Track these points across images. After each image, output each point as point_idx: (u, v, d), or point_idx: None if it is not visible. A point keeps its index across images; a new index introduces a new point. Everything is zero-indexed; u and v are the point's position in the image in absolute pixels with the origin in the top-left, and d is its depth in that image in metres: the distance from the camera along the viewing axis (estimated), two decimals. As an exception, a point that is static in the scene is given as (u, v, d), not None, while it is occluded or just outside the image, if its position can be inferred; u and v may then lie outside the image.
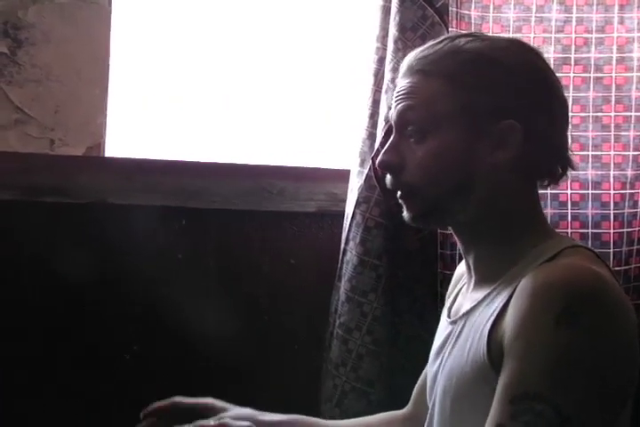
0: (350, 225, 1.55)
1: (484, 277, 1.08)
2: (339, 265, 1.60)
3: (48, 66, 1.66)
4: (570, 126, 1.11)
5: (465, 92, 1.01)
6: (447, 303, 1.20)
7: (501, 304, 0.99)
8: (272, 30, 1.74)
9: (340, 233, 1.68)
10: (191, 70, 1.75)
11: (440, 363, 1.10)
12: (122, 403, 1.62)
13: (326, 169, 1.72)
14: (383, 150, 1.07)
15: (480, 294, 1.06)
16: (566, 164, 1.08)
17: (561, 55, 1.57)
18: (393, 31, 1.46)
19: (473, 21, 1.55)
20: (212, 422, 1.12)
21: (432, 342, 1.21)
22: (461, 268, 1.21)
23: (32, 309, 1.62)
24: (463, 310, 1.08)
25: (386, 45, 1.50)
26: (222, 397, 1.53)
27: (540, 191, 1.56)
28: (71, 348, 1.63)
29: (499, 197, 1.04)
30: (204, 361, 1.66)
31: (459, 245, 1.13)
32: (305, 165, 1.73)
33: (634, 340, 0.96)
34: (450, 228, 1.16)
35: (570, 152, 1.09)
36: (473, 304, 1.06)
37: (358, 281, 1.53)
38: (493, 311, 1.00)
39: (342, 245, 1.59)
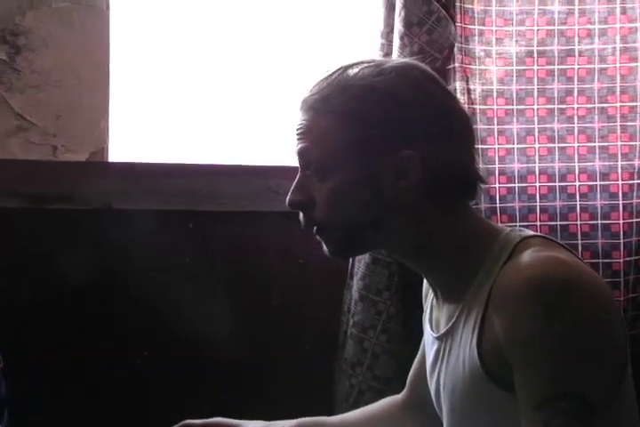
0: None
1: (448, 291, 1.08)
2: (350, 264, 1.59)
3: (48, 71, 1.65)
4: (475, 139, 1.12)
5: (356, 128, 1.01)
6: (426, 313, 1.20)
7: (480, 315, 1.00)
8: (275, 28, 1.73)
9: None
10: (192, 72, 1.74)
11: (438, 378, 1.10)
12: (127, 408, 1.61)
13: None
14: (290, 190, 1.08)
15: (453, 309, 1.06)
16: (476, 179, 1.07)
17: (565, 47, 1.58)
18: (399, 27, 1.46)
19: (476, 15, 1.55)
20: None
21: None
22: None
23: (38, 315, 1.60)
24: (444, 326, 1.09)
25: (391, 42, 1.49)
26: (231, 398, 1.53)
27: (550, 184, 1.60)
28: (78, 354, 1.62)
29: (418, 223, 1.04)
30: (214, 363, 1.65)
31: None
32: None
33: (616, 313, 0.99)
34: None
35: (477, 166, 1.08)
36: (452, 321, 1.06)
37: (372, 279, 1.53)
38: (474, 324, 1.01)
39: (353, 244, 1.58)
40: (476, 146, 1.11)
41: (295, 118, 1.07)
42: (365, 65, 1.04)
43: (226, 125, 1.75)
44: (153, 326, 1.64)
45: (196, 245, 1.68)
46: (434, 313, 1.14)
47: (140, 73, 1.73)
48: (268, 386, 1.66)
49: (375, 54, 1.53)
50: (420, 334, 1.56)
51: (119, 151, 1.70)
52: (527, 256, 0.98)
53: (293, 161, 1.71)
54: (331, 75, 1.05)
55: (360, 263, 1.55)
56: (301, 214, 1.08)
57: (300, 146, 1.05)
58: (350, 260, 1.60)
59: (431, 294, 1.17)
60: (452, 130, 1.04)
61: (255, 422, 1.22)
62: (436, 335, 1.10)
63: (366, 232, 1.04)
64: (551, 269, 0.94)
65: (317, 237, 1.09)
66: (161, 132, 1.74)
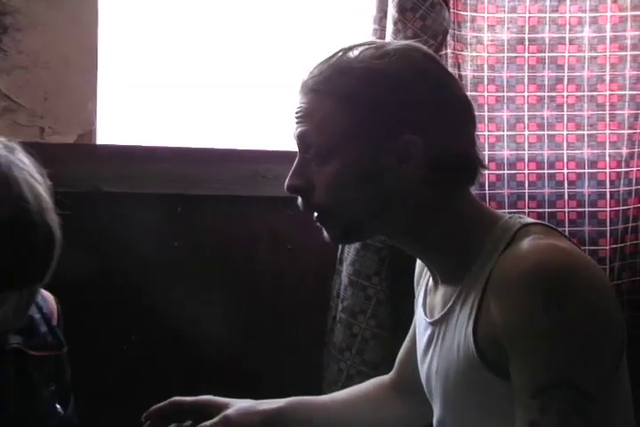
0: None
1: (446, 276, 1.09)
2: (340, 249, 1.60)
3: (35, 52, 1.63)
4: (476, 123, 1.10)
5: (358, 111, 1.00)
6: (419, 297, 1.20)
7: (477, 302, 1.01)
8: (266, 12, 1.72)
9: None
10: (182, 54, 1.72)
11: (430, 364, 1.11)
12: (120, 394, 1.61)
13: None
14: (289, 174, 1.06)
15: (450, 294, 1.07)
16: (477, 163, 1.07)
17: (556, 35, 1.58)
18: (392, 12, 1.45)
19: (468, 2, 1.55)
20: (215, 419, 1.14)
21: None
22: None
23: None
24: (439, 311, 1.09)
25: (384, 27, 1.49)
26: (223, 383, 1.53)
27: (539, 171, 1.61)
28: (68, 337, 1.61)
29: (419, 208, 1.04)
30: (202, 349, 1.64)
31: None
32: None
33: (614, 300, 1.00)
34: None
35: (477, 150, 1.08)
36: (448, 306, 1.06)
37: (362, 265, 1.53)
38: (471, 311, 1.01)
39: (343, 229, 1.58)
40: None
41: (294, 101, 1.06)
42: (366, 47, 1.03)
43: (216, 109, 1.74)
44: (140, 311, 1.63)
45: (185, 230, 1.67)
46: (428, 298, 1.14)
47: (128, 55, 1.71)
48: (258, 372, 1.66)
49: (368, 40, 1.52)
50: (409, 319, 1.58)
51: (107, 134, 1.68)
52: (527, 243, 0.99)
53: (283, 146, 1.73)
54: (331, 57, 1.04)
55: (350, 249, 1.55)
56: (300, 199, 1.07)
57: (299, 129, 1.04)
58: (340, 246, 1.60)
59: (424, 279, 1.17)
60: (454, 113, 1.04)
61: (245, 400, 1.21)
62: (429, 320, 1.10)
63: (366, 217, 1.04)
64: (550, 257, 0.95)
65: (317, 223, 1.08)
66: (150, 116, 1.73)
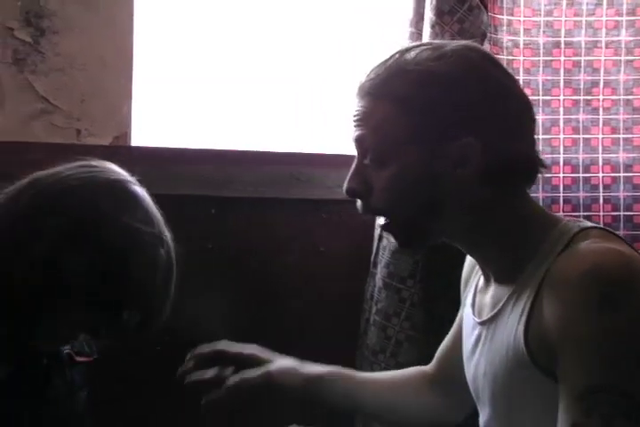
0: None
1: (499, 276, 1.08)
2: (374, 252, 1.60)
3: (72, 54, 1.64)
4: (536, 123, 1.09)
5: (415, 114, 1.00)
6: (467, 297, 1.19)
7: (530, 301, 1.00)
8: (304, 15, 1.72)
9: (370, 220, 1.68)
10: (217, 57, 1.73)
11: (477, 363, 1.10)
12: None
13: (354, 155, 1.71)
14: (348, 177, 1.06)
15: (502, 294, 1.06)
16: (536, 164, 1.06)
17: (592, 38, 1.58)
18: (429, 15, 1.46)
19: (505, 5, 1.55)
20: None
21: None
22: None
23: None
24: (489, 311, 1.09)
25: (421, 30, 1.49)
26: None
27: (574, 175, 1.60)
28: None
29: (475, 210, 1.04)
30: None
31: None
32: (333, 152, 1.72)
33: None
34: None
35: (537, 151, 1.07)
36: (499, 306, 1.06)
37: (396, 267, 1.53)
38: (523, 310, 1.01)
39: (378, 232, 1.59)
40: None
41: (351, 104, 1.06)
42: (423, 48, 1.03)
43: (250, 111, 1.75)
44: (175, 309, 1.63)
45: (218, 231, 1.68)
46: (477, 298, 1.14)
47: (163, 57, 1.72)
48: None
49: (404, 43, 1.53)
50: (442, 322, 1.58)
51: (141, 136, 1.69)
52: (585, 246, 0.98)
53: (316, 148, 1.74)
54: (388, 59, 1.04)
55: (384, 251, 1.56)
56: (359, 202, 1.07)
57: (357, 133, 1.04)
58: (374, 248, 1.60)
59: (474, 279, 1.17)
60: (513, 114, 1.03)
61: (287, 359, 1.22)
62: (478, 320, 1.10)
63: (422, 219, 1.04)
64: (608, 261, 0.94)
65: (384, 232, 1.09)
66: (184, 118, 1.74)
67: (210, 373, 1.18)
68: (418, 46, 1.04)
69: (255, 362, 1.20)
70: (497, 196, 1.03)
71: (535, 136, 1.07)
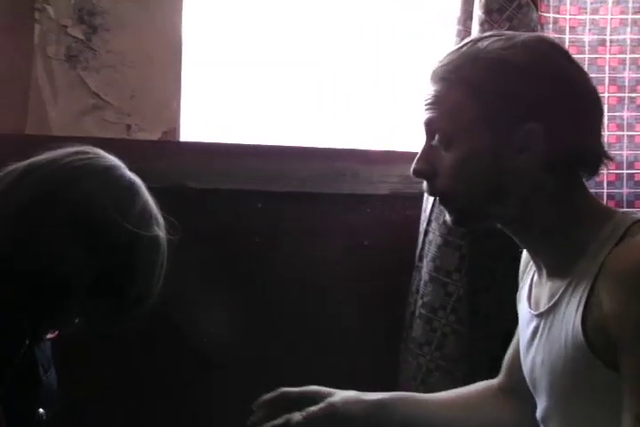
0: (433, 206, 1.58)
1: (554, 268, 1.10)
2: (419, 246, 1.62)
3: (122, 51, 1.67)
4: (603, 115, 1.11)
5: (486, 100, 1.04)
6: (523, 290, 1.21)
7: (586, 293, 1.02)
8: (351, 13, 1.75)
9: (414, 215, 1.71)
10: (265, 53, 1.76)
11: (534, 355, 1.12)
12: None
13: (400, 152, 1.74)
14: (415, 159, 1.10)
15: (558, 286, 1.08)
16: (600, 154, 1.08)
17: (637, 36, 1.60)
18: (478, 13, 1.48)
19: (551, 3, 1.57)
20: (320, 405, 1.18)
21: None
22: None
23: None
24: (545, 303, 1.10)
25: (469, 28, 1.51)
26: (298, 377, 1.56)
27: (618, 171, 1.62)
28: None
29: (535, 196, 1.06)
30: (286, 339, 1.68)
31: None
32: (379, 148, 1.75)
33: None
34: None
35: (602, 142, 1.10)
36: (555, 298, 1.08)
37: (442, 261, 1.56)
38: (580, 302, 1.03)
39: (424, 226, 1.61)
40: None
41: (424, 90, 1.10)
42: (496, 38, 1.07)
43: (297, 106, 1.77)
44: (224, 302, 1.67)
45: (265, 225, 1.71)
46: (533, 291, 1.16)
47: (210, 53, 1.75)
48: (330, 366, 1.69)
49: (452, 40, 1.55)
50: (487, 315, 1.61)
51: (190, 131, 1.73)
52: None
53: (361, 144, 1.76)
54: (461, 47, 1.08)
55: (430, 245, 1.58)
56: (425, 183, 1.11)
57: (427, 116, 1.08)
58: (419, 242, 1.63)
59: (530, 272, 1.19)
60: (579, 105, 1.06)
61: (349, 391, 1.24)
62: (535, 313, 1.12)
63: (486, 203, 1.07)
64: None
65: (441, 206, 1.12)
66: (232, 113, 1.76)
67: (279, 420, 1.20)
68: (490, 36, 1.08)
69: (319, 397, 1.23)
70: (557, 185, 1.06)
71: (601, 127, 1.09)
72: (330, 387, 1.28)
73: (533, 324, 1.12)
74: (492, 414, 1.27)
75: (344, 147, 1.74)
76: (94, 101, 1.66)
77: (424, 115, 1.09)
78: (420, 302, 1.58)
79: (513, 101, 1.03)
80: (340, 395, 1.22)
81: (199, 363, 1.65)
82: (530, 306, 1.15)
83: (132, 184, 1.08)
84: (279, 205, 1.71)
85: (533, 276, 1.17)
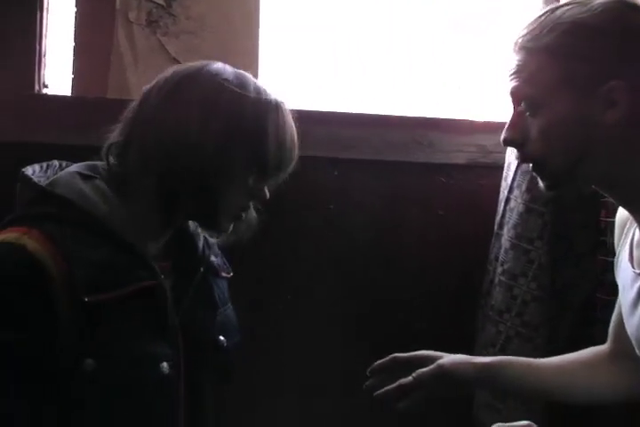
0: (515, 173, 1.57)
1: None
2: (500, 213, 1.62)
3: (202, 18, 1.68)
4: None
5: (565, 62, 1.05)
6: (623, 253, 1.20)
7: None
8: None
9: (488, 184, 1.70)
10: (341, 20, 1.76)
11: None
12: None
13: (476, 121, 1.74)
14: (505, 128, 1.12)
15: None
16: None
17: None
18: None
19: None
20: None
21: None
22: (623, 213, 1.23)
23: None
24: None
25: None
26: (379, 347, 1.57)
27: None
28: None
29: (625, 151, 1.06)
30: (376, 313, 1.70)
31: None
32: (455, 117, 1.74)
33: None
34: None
35: None
36: None
37: (524, 228, 1.55)
38: None
39: (505, 194, 1.61)
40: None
41: (509, 60, 1.11)
42: (573, 5, 1.08)
43: (373, 74, 1.77)
44: (301, 270, 1.68)
45: (340, 192, 1.71)
46: (635, 251, 1.15)
47: (288, 20, 1.76)
48: (410, 331, 1.70)
49: (538, 7, 1.54)
50: (565, 284, 1.60)
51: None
52: None
53: (437, 113, 1.76)
54: (540, 16, 1.09)
55: (512, 213, 1.58)
56: (516, 151, 1.12)
57: (512, 85, 1.10)
58: (499, 210, 1.62)
59: (629, 234, 1.18)
60: None
61: (457, 355, 1.26)
62: (639, 272, 1.12)
63: (579, 162, 1.07)
64: None
65: (534, 173, 1.12)
66: (308, 80, 1.77)
67: (393, 385, 1.22)
68: (566, 4, 1.09)
69: (429, 361, 1.24)
70: None
71: None
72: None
73: (638, 284, 1.12)
74: (607, 379, 1.28)
75: (421, 115, 1.73)
76: (174, 67, 1.67)
77: (509, 85, 1.10)
78: (499, 270, 1.58)
79: (592, 61, 1.04)
80: (450, 357, 1.24)
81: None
82: (633, 266, 1.15)
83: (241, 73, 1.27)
84: (354, 172, 1.71)
85: (633, 236, 1.17)
